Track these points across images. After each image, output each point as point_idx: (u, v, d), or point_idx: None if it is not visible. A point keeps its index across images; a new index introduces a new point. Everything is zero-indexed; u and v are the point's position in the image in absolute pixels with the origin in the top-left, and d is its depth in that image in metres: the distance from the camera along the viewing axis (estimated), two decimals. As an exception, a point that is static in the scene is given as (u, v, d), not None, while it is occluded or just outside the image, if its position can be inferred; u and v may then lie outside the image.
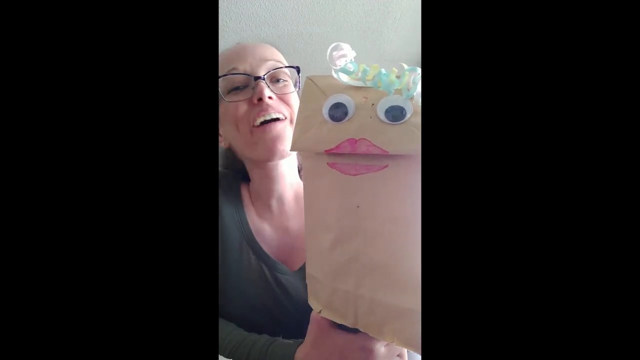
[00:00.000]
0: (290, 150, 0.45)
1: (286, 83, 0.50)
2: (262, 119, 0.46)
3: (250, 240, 0.51)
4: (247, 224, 0.53)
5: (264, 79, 0.46)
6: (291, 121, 0.49)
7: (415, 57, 1.63)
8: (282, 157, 0.50)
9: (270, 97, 0.46)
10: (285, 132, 0.48)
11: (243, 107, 0.47)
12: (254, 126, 0.47)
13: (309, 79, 0.30)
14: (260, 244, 0.51)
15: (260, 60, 0.48)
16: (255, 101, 0.46)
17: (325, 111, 0.27)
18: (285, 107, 0.48)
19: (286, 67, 0.49)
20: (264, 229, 0.53)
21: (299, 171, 0.59)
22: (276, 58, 0.49)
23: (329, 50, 0.28)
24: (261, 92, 0.45)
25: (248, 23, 1.38)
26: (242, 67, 0.47)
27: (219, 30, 1.40)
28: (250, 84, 0.47)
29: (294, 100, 0.50)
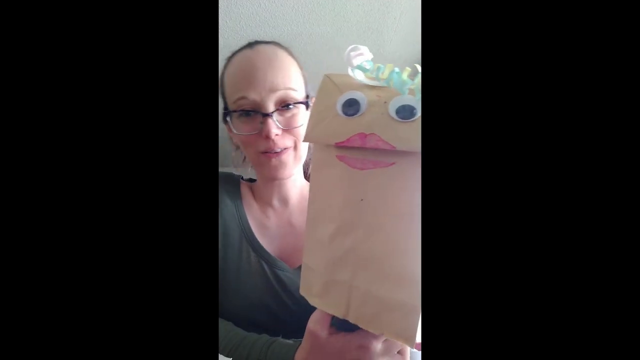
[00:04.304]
0: (303, 142, 0.48)
1: (295, 111, 0.49)
2: (267, 151, 0.48)
3: (249, 238, 0.52)
4: (246, 221, 0.53)
5: (271, 116, 0.46)
6: (295, 148, 0.50)
7: (415, 57, 1.63)
8: (284, 178, 0.51)
9: (277, 134, 0.46)
10: (289, 159, 0.49)
11: (251, 134, 0.48)
12: (259, 151, 0.49)
13: (327, 76, 0.31)
14: (261, 241, 0.52)
15: (270, 90, 0.46)
16: (263, 135, 0.47)
17: (339, 106, 0.29)
18: (290, 139, 0.49)
19: (295, 103, 0.48)
20: (265, 227, 0.54)
21: (305, 172, 0.60)
22: (287, 84, 0.47)
23: (347, 51, 0.29)
24: (268, 132, 0.45)
25: (248, 23, 1.38)
26: (252, 97, 0.46)
27: (219, 30, 1.40)
28: (258, 113, 0.47)
29: (302, 129, 0.49)
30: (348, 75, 0.30)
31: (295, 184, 0.56)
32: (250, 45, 0.51)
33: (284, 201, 0.56)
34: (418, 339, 0.28)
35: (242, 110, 0.47)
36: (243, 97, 0.46)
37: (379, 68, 0.28)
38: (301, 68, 0.52)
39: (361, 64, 0.29)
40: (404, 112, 0.26)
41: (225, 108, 0.51)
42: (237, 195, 0.56)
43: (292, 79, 0.48)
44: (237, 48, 0.52)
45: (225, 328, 0.45)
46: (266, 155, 0.48)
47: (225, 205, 0.54)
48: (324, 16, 1.37)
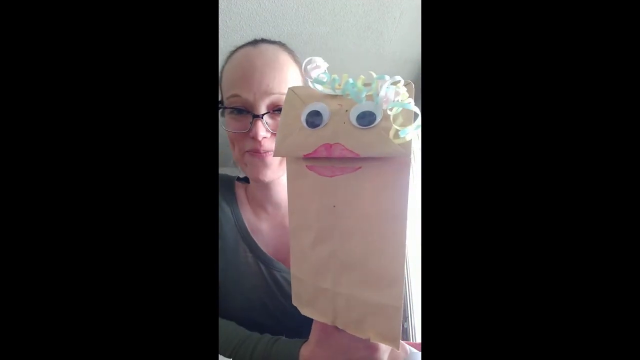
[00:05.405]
0: (273, 156, 0.46)
1: None
2: (252, 151, 0.47)
3: (246, 238, 0.52)
4: (242, 222, 0.53)
5: (262, 118, 0.45)
6: None
7: (415, 57, 1.63)
8: (266, 181, 0.50)
9: (265, 137, 0.46)
10: (273, 162, 0.48)
11: (239, 132, 0.47)
12: (244, 150, 0.48)
13: (291, 89, 0.32)
14: (257, 242, 0.52)
15: (265, 92, 0.45)
16: (250, 135, 0.46)
17: (303, 118, 0.29)
18: None
19: None
20: (260, 228, 0.54)
21: None
22: (282, 89, 0.45)
23: (303, 64, 0.31)
24: (256, 133, 0.45)
25: (248, 22, 1.38)
26: (245, 96, 0.45)
27: (219, 30, 1.40)
28: (249, 113, 0.46)
29: None
30: (311, 87, 0.31)
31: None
32: (254, 42, 0.49)
33: (277, 204, 0.55)
34: (418, 339, 0.28)
35: (234, 107, 0.46)
36: (236, 95, 0.46)
37: (334, 79, 0.29)
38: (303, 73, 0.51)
39: (317, 76, 0.30)
40: (365, 118, 0.27)
41: (220, 102, 0.49)
42: (232, 197, 0.56)
43: (289, 84, 0.47)
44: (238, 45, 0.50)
45: (227, 328, 0.45)
46: (251, 154, 0.48)
47: (221, 207, 0.54)
48: (324, 16, 1.37)
